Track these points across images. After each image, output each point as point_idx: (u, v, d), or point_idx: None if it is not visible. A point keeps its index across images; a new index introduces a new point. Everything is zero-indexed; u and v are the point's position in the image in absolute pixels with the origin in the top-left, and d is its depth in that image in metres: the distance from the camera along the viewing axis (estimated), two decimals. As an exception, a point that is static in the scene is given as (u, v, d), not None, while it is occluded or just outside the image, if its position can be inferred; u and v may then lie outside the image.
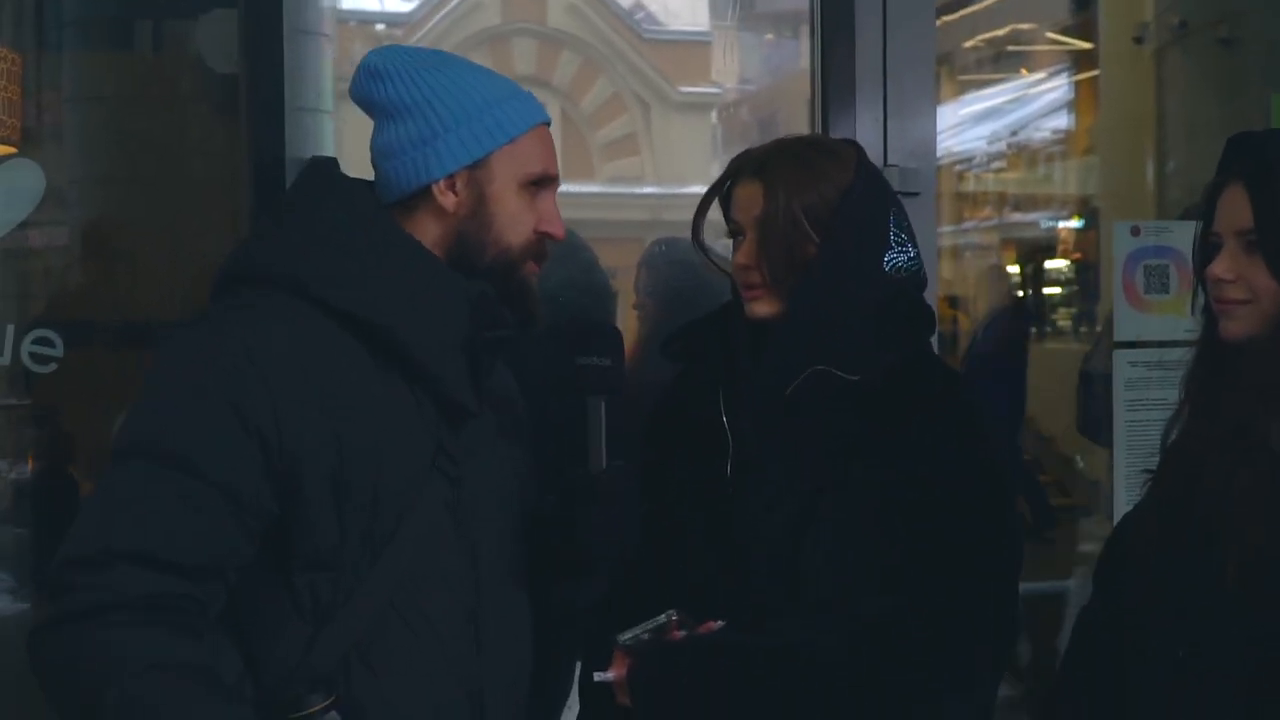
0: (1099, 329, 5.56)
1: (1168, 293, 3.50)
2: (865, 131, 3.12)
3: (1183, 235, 3.00)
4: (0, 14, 3.30)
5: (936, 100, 3.18)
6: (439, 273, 2.17)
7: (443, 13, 3.46)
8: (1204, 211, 2.18)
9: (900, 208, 2.43)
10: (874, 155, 3.01)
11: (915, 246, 2.44)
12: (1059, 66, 5.46)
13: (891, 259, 2.35)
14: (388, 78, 2.18)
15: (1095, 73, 4.87)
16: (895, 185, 3.00)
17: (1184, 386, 2.25)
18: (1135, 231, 3.54)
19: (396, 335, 2.09)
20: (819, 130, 3.26)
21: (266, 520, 2.03)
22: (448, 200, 2.18)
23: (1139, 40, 4.50)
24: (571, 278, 3.20)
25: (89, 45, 3.35)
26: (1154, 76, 4.47)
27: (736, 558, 2.34)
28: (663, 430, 2.52)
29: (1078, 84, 5.18)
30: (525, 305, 2.23)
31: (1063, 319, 12.12)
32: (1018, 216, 11.55)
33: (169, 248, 3.31)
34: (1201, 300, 2.21)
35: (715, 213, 2.47)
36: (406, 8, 3.48)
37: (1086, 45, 4.94)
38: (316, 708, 1.98)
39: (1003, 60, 9.38)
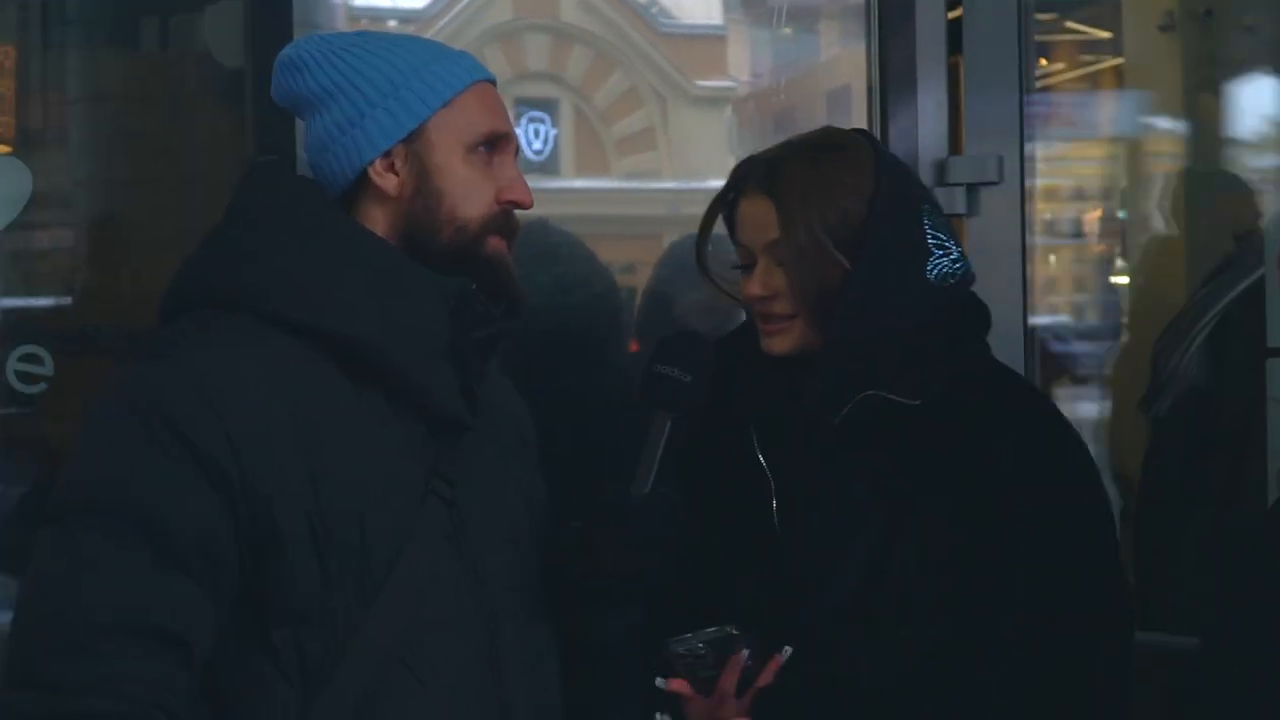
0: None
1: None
2: (927, 119, 2.99)
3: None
4: (2, 12, 3.21)
5: (1021, 78, 3.01)
6: (408, 271, 1.97)
7: (456, 9, 3.41)
8: None
9: (934, 204, 2.26)
10: (938, 143, 2.97)
11: (957, 245, 2.23)
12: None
13: (935, 266, 2.18)
14: (304, 68, 2.01)
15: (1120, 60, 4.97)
16: (973, 175, 2.88)
17: None
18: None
19: (369, 347, 1.90)
20: (877, 116, 3.06)
21: (234, 573, 1.82)
22: (388, 182, 1.99)
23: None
24: (573, 275, 3.11)
25: (93, 42, 3.27)
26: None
27: (795, 597, 2.17)
28: (691, 462, 2.26)
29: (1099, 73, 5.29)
30: (502, 288, 2.03)
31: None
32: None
33: (174, 250, 3.29)
34: None
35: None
36: (420, 4, 3.45)
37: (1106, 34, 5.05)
38: None
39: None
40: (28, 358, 2.97)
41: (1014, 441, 2.16)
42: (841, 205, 2.14)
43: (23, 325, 3.05)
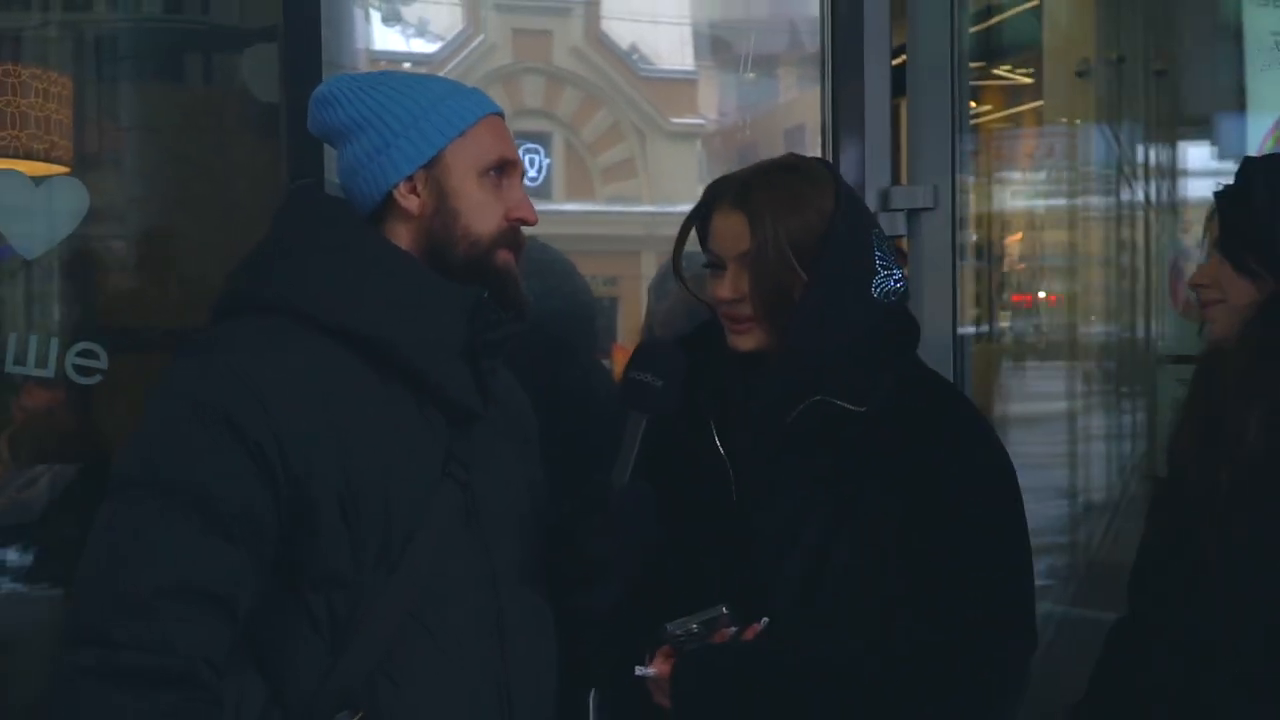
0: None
1: None
2: (873, 153, 3.04)
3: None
4: (61, 48, 3.20)
5: (955, 120, 3.06)
6: (431, 282, 1.98)
7: (463, 54, 3.47)
8: (1206, 231, 2.19)
9: (880, 229, 2.22)
10: (882, 174, 3.05)
11: (899, 267, 2.21)
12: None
13: (880, 284, 2.18)
14: (336, 103, 2.03)
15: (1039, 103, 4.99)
16: (911, 202, 2.96)
17: (1186, 395, 2.20)
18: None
19: (394, 347, 1.91)
20: (830, 150, 3.09)
21: (275, 546, 1.84)
22: (411, 202, 2.00)
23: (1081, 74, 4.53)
24: (549, 287, 3.07)
25: (143, 77, 3.27)
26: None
27: (757, 580, 2.16)
28: (655, 453, 2.20)
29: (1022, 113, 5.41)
30: (510, 296, 2.04)
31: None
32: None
33: (217, 262, 3.09)
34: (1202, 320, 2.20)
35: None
36: (431, 49, 3.48)
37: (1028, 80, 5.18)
38: None
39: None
40: (85, 353, 2.96)
41: (958, 447, 2.17)
42: (805, 220, 2.14)
43: (81, 324, 3.06)
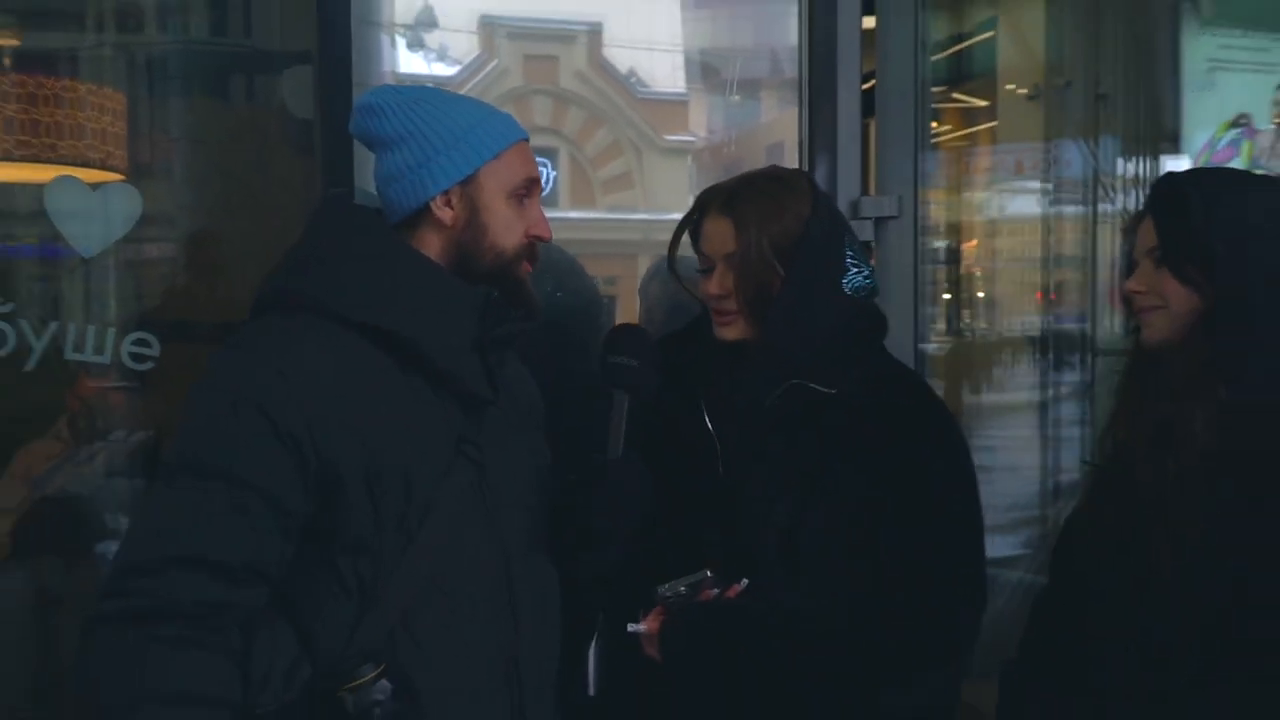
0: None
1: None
2: (845, 166, 3.11)
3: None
4: (116, 66, 3.27)
5: (917, 136, 3.14)
6: (447, 283, 2.00)
7: (479, 76, 3.53)
8: (1127, 242, 2.17)
9: (851, 233, 2.26)
10: (853, 185, 3.11)
11: (868, 265, 2.24)
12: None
13: (849, 280, 2.24)
14: (382, 113, 2.04)
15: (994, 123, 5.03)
16: (878, 211, 3.00)
17: (1117, 392, 2.15)
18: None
19: (417, 343, 1.94)
20: (806, 164, 3.14)
21: (303, 520, 1.87)
22: (445, 215, 2.03)
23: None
24: (561, 284, 3.13)
25: (191, 94, 3.34)
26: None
27: (741, 544, 2.22)
28: (653, 436, 2.27)
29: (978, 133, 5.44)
30: (524, 300, 2.07)
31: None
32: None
33: (257, 262, 3.09)
34: (1133, 323, 2.16)
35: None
36: (450, 72, 3.53)
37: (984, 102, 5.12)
38: (368, 678, 1.86)
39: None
40: (139, 342, 3.09)
41: (941, 444, 2.23)
42: (784, 224, 2.20)
43: (135, 317, 3.15)
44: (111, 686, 1.78)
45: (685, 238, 2.38)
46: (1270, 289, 2.01)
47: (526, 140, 2.12)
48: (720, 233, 2.24)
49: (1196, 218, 2.03)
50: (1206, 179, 2.11)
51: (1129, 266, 2.15)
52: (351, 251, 1.99)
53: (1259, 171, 4.28)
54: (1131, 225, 2.16)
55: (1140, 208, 2.18)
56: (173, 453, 1.87)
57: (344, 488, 1.87)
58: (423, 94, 2.09)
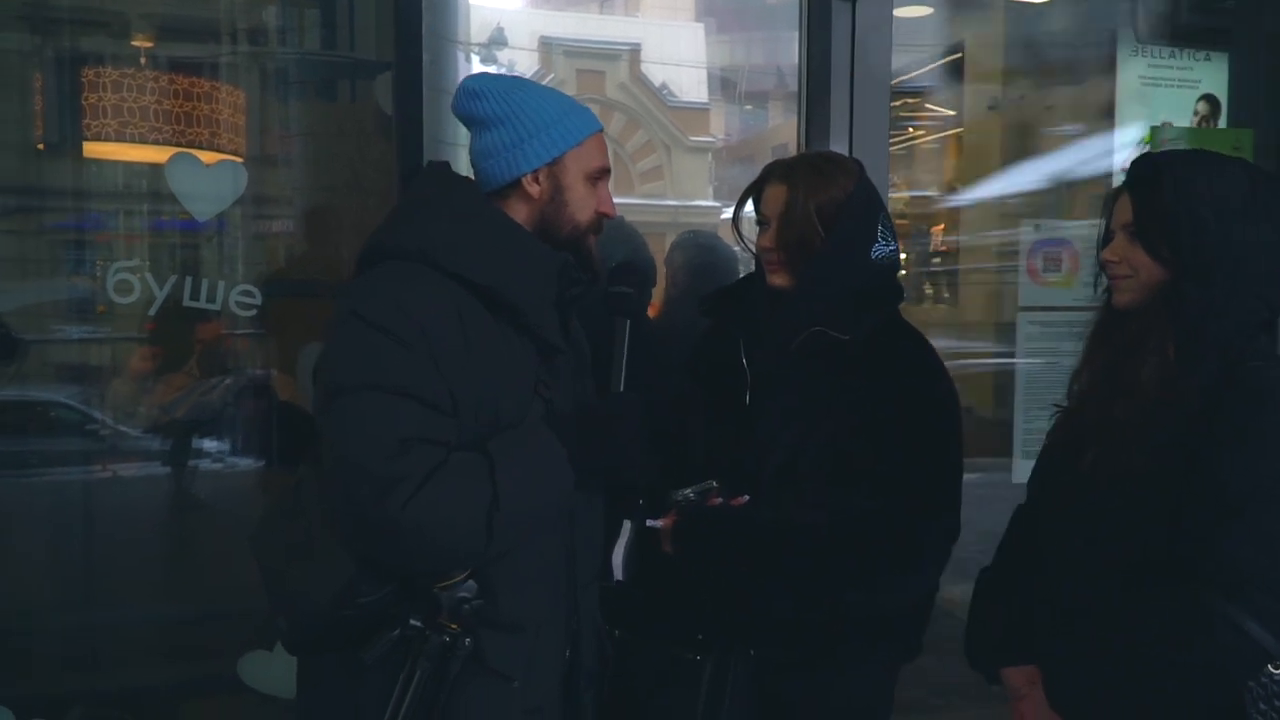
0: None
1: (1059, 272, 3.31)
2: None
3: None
4: (249, 74, 3.37)
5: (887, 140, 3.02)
6: (535, 246, 1.90)
7: None
8: (1105, 214, 2.02)
9: (886, 212, 2.19)
10: None
11: (896, 241, 2.17)
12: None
13: (877, 250, 2.17)
14: (483, 97, 1.94)
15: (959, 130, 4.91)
16: None
17: (1084, 345, 2.06)
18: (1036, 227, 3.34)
19: (508, 295, 1.84)
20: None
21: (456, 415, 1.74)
22: (534, 189, 1.94)
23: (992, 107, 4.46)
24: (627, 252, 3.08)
25: (304, 95, 3.41)
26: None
27: (753, 460, 2.15)
28: (698, 365, 2.29)
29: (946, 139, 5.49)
30: (591, 267, 2.00)
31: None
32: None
33: (350, 228, 3.32)
34: (1104, 282, 2.03)
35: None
36: None
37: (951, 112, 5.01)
38: (459, 578, 1.84)
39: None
40: (244, 293, 3.08)
41: (931, 381, 2.19)
42: (830, 194, 2.16)
43: (242, 270, 3.19)
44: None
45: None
46: (1234, 267, 1.85)
47: (602, 132, 2.02)
48: (777, 196, 2.18)
49: (1169, 197, 1.87)
50: (1181, 161, 1.95)
51: (1106, 237, 2.00)
52: (452, 212, 1.88)
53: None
54: (1110, 200, 2.00)
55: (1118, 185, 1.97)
56: (333, 378, 1.76)
57: (459, 409, 1.78)
58: (517, 83, 1.97)
